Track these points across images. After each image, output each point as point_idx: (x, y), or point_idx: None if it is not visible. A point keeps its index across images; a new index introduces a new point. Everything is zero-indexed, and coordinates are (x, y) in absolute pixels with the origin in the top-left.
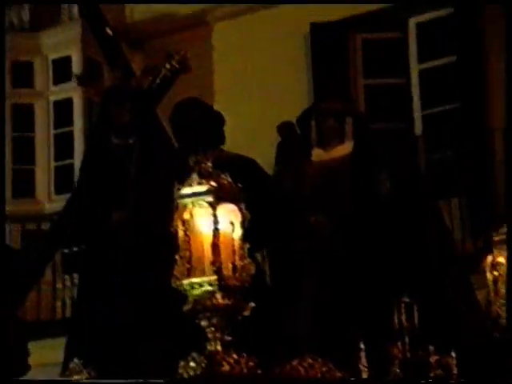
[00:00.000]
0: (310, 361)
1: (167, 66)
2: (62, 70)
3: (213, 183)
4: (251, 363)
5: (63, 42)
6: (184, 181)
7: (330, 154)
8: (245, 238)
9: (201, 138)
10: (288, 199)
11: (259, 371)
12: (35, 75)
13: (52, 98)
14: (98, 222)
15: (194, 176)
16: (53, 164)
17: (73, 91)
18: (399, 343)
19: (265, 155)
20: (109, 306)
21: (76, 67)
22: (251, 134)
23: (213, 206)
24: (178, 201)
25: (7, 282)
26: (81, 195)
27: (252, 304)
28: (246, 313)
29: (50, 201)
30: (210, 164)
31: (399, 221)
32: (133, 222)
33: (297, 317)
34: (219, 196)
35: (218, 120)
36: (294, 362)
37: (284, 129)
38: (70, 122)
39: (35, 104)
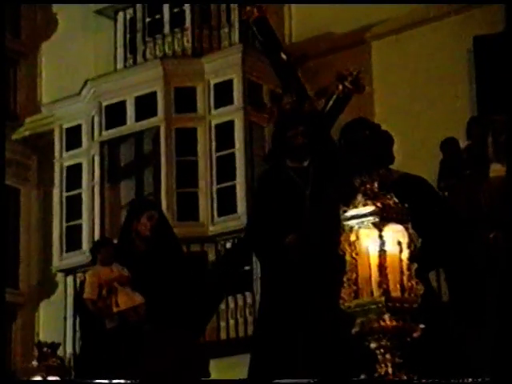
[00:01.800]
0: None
1: (340, 87)
2: (223, 93)
3: (378, 204)
4: None
5: (224, 66)
6: (350, 202)
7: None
8: (416, 258)
9: (369, 157)
10: (463, 216)
11: None
12: (197, 100)
13: (214, 122)
14: (273, 244)
15: (359, 197)
16: (215, 187)
17: (234, 114)
18: None
19: (426, 172)
20: (287, 325)
21: (237, 90)
22: (412, 152)
23: (378, 226)
24: (344, 223)
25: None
26: (258, 218)
27: (422, 325)
28: (416, 334)
29: (212, 223)
30: (375, 184)
31: None
32: (305, 243)
33: (479, 338)
34: (385, 217)
35: (387, 139)
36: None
37: (448, 145)
38: (232, 145)
39: (198, 128)
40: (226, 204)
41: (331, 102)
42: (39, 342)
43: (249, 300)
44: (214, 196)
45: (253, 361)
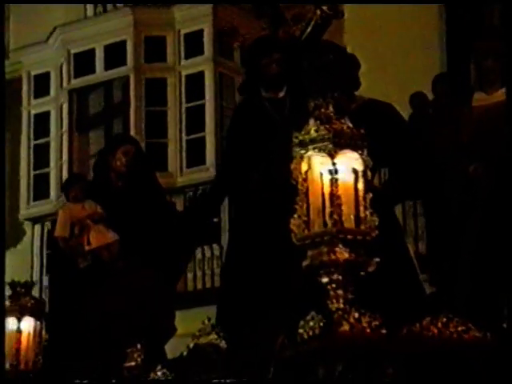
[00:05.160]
0: (444, 319)
1: (318, 12)
2: (193, 43)
3: (331, 129)
4: (375, 322)
5: (195, 16)
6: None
7: (491, 97)
8: (371, 187)
9: (333, 81)
10: (443, 147)
11: (384, 331)
12: (168, 49)
13: (184, 72)
14: (241, 183)
15: (312, 122)
16: (184, 138)
17: (204, 65)
18: None
19: None
20: (254, 269)
21: (208, 41)
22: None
23: (331, 153)
24: (295, 149)
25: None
26: (230, 155)
27: (376, 259)
28: (371, 268)
29: (181, 174)
30: (330, 108)
31: None
32: (267, 181)
33: (452, 272)
34: (338, 142)
35: (352, 63)
36: (425, 321)
37: (416, 100)
38: (202, 96)
39: (168, 78)
40: (195, 155)
41: (309, 29)
42: (13, 282)
43: (216, 252)
44: (184, 147)
45: (220, 308)
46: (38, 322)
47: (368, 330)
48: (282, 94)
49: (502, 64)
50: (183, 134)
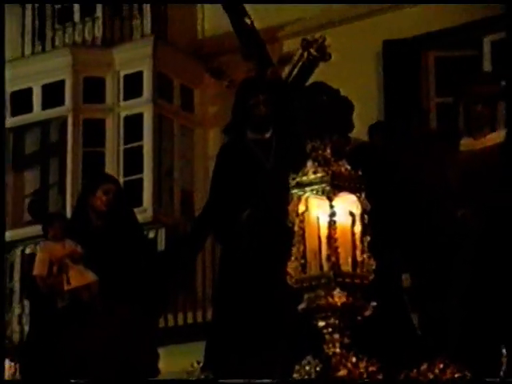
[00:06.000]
0: (441, 365)
1: (305, 54)
2: (133, 85)
3: (329, 171)
4: (372, 368)
5: (135, 57)
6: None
7: (480, 142)
8: (370, 231)
9: (327, 124)
10: (430, 191)
11: (381, 376)
12: (107, 90)
13: (123, 114)
14: (229, 222)
15: (309, 163)
16: (122, 179)
17: (143, 106)
18: None
19: None
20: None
21: (147, 83)
22: None
23: (329, 195)
24: (292, 191)
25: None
26: (215, 195)
27: (373, 303)
28: (368, 313)
29: None
30: (328, 150)
31: None
32: (259, 220)
33: (443, 316)
34: (336, 184)
35: (346, 105)
36: (423, 367)
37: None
38: (140, 137)
39: (106, 119)
40: (132, 197)
41: (296, 70)
42: None
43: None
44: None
45: (209, 345)
46: (12, 364)
47: (365, 376)
48: (267, 135)
49: (492, 109)
50: (120, 176)
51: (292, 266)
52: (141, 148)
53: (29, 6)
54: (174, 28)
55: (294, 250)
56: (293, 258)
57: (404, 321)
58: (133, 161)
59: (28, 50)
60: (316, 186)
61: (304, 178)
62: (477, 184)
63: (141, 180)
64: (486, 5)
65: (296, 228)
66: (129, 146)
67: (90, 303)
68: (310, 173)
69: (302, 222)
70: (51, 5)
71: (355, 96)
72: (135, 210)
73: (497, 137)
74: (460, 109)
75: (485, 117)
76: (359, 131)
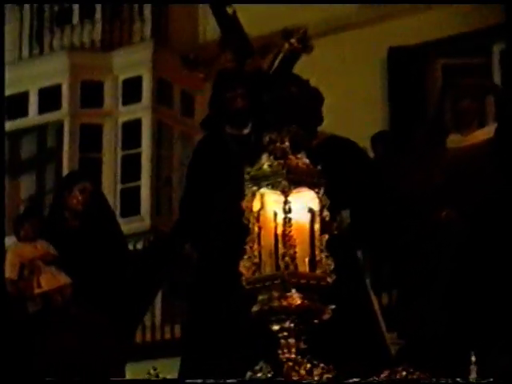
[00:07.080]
0: (403, 373)
1: (286, 45)
2: (131, 90)
3: (285, 164)
4: (327, 375)
5: (134, 62)
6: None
7: (468, 139)
8: (327, 228)
9: (293, 115)
10: (414, 191)
11: None
12: (105, 95)
13: (121, 119)
14: (203, 224)
15: (265, 156)
16: (119, 186)
17: (142, 112)
18: None
19: None
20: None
21: (146, 88)
22: None
23: (284, 190)
24: (247, 186)
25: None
26: (190, 196)
27: (332, 306)
28: (325, 317)
29: None
30: (286, 143)
31: None
32: (229, 221)
33: (420, 320)
34: (293, 179)
35: (315, 97)
36: (383, 375)
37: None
38: (138, 144)
39: (104, 124)
40: (129, 205)
41: (277, 62)
42: None
43: None
44: (118, 196)
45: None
46: None
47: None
48: (246, 131)
49: (479, 104)
50: (118, 183)
51: (245, 265)
52: (139, 155)
53: (27, 7)
54: (174, 32)
55: (248, 248)
56: (245, 257)
57: (367, 326)
58: (131, 168)
59: (25, 53)
60: (271, 181)
61: (259, 172)
62: (464, 183)
63: (138, 188)
64: (495, 11)
65: (250, 225)
66: (127, 152)
67: (62, 308)
68: (265, 166)
69: (257, 219)
70: (49, 6)
71: (360, 104)
72: (132, 218)
73: (485, 133)
74: (447, 104)
75: (473, 112)
76: (364, 139)
